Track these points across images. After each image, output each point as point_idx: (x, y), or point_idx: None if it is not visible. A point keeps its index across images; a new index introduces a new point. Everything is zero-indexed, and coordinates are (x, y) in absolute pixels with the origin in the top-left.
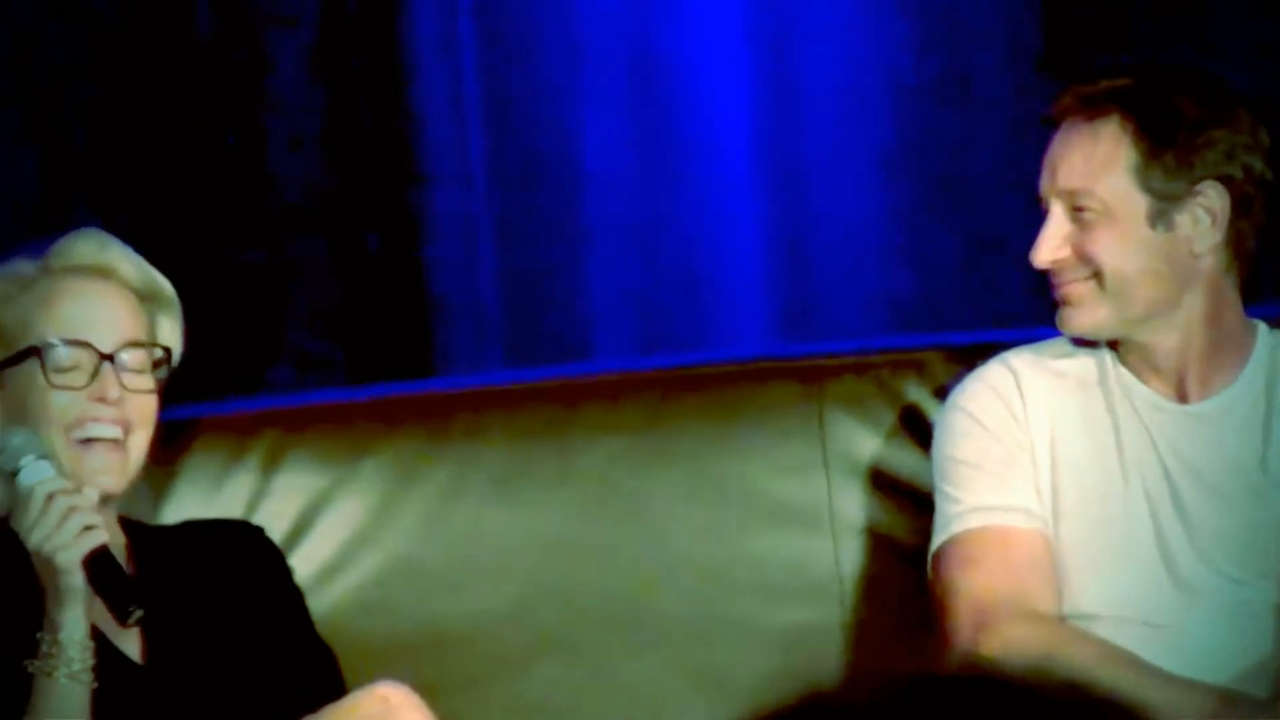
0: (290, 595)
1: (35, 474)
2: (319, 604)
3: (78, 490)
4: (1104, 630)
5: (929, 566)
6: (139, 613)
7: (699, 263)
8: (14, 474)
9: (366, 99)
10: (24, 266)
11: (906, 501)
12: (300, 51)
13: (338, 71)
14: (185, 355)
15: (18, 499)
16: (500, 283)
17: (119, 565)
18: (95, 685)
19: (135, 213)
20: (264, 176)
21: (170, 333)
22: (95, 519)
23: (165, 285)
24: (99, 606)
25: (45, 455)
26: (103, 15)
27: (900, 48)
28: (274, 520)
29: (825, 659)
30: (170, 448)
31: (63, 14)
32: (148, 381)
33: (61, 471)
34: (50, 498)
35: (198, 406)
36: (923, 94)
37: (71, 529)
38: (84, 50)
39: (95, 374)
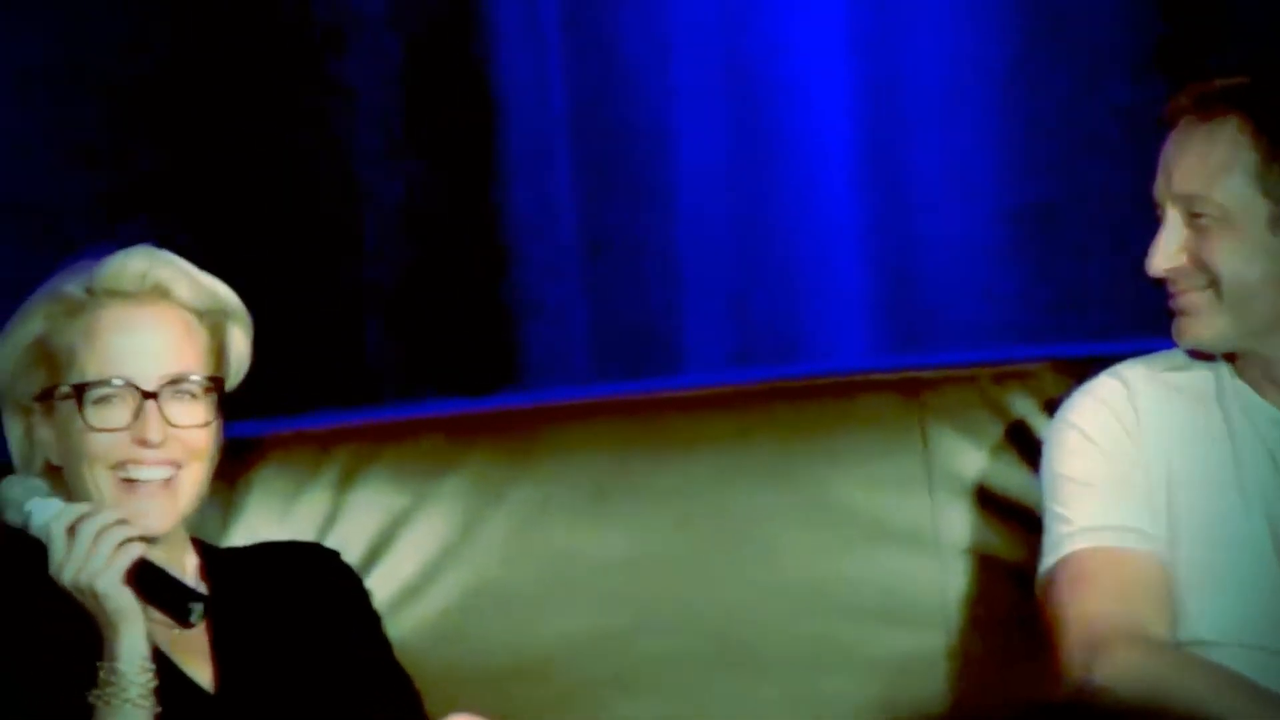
0: (368, 621)
1: (45, 512)
2: (397, 628)
3: (96, 511)
4: (1221, 657)
5: (1038, 589)
6: (200, 607)
7: (797, 268)
8: (25, 525)
9: (450, 102)
10: (73, 288)
11: (1015, 521)
12: (383, 51)
13: (421, 74)
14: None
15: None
16: (589, 289)
17: (164, 571)
18: (159, 711)
19: (206, 225)
20: (348, 185)
21: (240, 345)
22: (128, 530)
23: (229, 298)
24: (162, 631)
25: (50, 493)
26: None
27: (1007, 44)
28: (350, 541)
29: (930, 687)
30: (241, 465)
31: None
32: (199, 413)
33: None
34: (72, 529)
35: (270, 422)
36: (1030, 92)
37: (104, 552)
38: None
39: (138, 413)
